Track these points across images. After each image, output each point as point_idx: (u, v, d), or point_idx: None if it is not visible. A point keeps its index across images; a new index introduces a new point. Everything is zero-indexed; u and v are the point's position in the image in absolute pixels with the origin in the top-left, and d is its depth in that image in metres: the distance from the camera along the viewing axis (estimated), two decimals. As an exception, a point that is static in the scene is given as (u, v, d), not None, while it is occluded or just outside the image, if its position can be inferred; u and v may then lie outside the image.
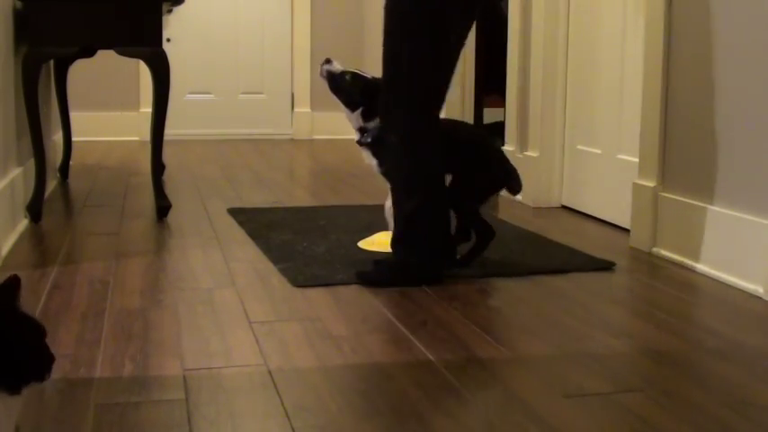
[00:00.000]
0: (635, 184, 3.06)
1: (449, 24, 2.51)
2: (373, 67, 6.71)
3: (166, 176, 4.58)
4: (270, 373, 1.84)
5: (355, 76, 2.79)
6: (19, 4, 3.42)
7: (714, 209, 2.67)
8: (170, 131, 6.41)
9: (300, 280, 2.55)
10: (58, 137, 4.75)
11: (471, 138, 2.78)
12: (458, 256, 2.70)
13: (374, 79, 2.76)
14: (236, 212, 3.55)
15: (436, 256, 2.56)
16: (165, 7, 4.04)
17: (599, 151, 3.55)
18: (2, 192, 2.89)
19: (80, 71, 6.16)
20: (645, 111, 3.01)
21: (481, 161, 2.74)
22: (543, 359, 1.94)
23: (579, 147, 3.71)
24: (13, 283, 1.24)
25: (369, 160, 2.87)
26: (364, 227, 3.27)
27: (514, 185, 2.78)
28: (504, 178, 2.78)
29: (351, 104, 2.78)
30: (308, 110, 6.59)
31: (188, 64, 6.47)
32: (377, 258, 2.68)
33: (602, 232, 3.33)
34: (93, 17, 3.36)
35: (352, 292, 2.46)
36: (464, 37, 2.60)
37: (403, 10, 2.51)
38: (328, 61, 2.84)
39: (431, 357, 1.94)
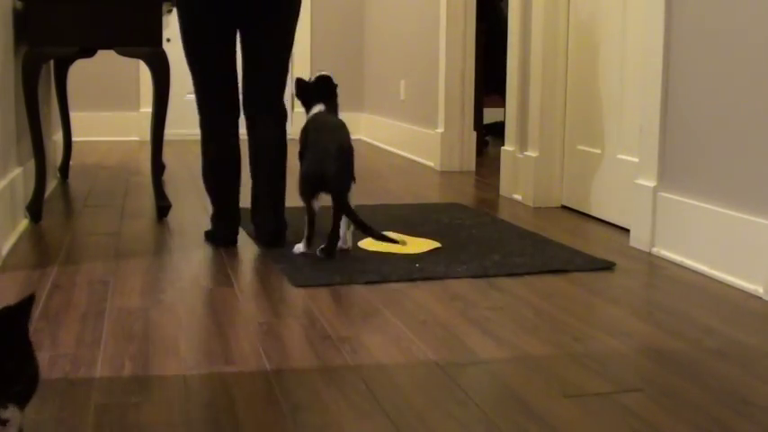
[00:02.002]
0: (635, 184, 3.06)
1: (208, 20, 3.00)
2: (374, 67, 6.69)
3: (166, 176, 4.58)
4: (270, 373, 1.84)
5: (298, 79, 3.22)
6: (19, 4, 3.43)
7: (714, 209, 2.67)
8: (170, 131, 6.41)
9: (300, 280, 2.55)
10: (58, 137, 4.76)
11: (315, 136, 2.92)
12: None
13: (310, 80, 3.19)
14: (236, 212, 3.55)
15: (233, 228, 3.08)
16: (165, 7, 4.04)
17: (599, 151, 3.55)
18: (2, 192, 2.89)
19: (80, 71, 6.17)
20: (645, 111, 3.01)
21: (308, 155, 2.91)
22: (543, 359, 1.94)
23: (579, 147, 3.71)
24: (29, 303, 1.21)
25: None
26: (364, 227, 3.27)
27: (330, 188, 2.82)
28: (316, 178, 2.82)
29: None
30: (308, 110, 6.59)
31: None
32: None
33: (602, 232, 3.33)
34: (93, 17, 3.36)
35: (353, 292, 2.46)
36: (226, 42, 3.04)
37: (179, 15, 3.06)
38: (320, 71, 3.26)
39: (431, 357, 1.94)
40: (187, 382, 1.78)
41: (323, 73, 3.22)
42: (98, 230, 3.26)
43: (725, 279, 2.60)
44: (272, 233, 3.04)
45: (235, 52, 3.09)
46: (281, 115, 3.14)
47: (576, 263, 2.78)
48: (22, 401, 1.16)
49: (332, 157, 2.83)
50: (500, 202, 3.99)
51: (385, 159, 5.54)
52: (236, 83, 3.13)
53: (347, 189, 2.86)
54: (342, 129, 2.97)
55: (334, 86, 3.19)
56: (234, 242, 3.08)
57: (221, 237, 3.08)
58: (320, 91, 3.17)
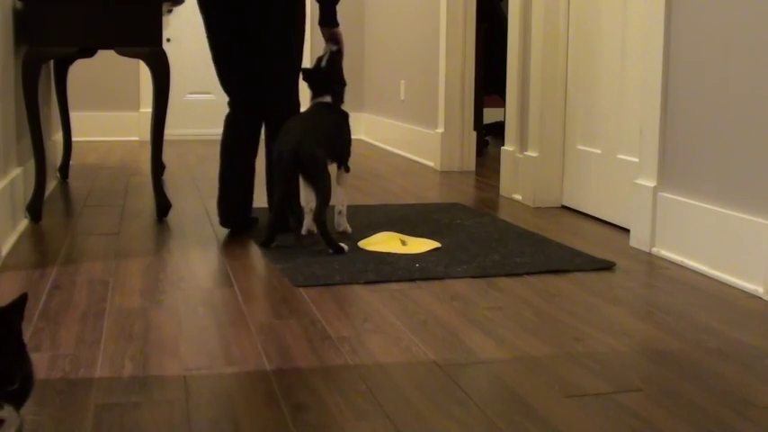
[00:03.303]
0: (635, 184, 3.06)
1: (213, 23, 3.20)
2: (374, 67, 6.69)
3: (166, 176, 4.58)
4: (270, 373, 1.84)
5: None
6: (19, 4, 3.42)
7: (714, 209, 2.68)
8: (170, 131, 6.42)
9: (300, 280, 2.55)
10: (58, 137, 4.76)
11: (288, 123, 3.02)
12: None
13: (314, 67, 3.23)
14: (236, 212, 3.55)
15: (228, 211, 3.21)
16: (165, 7, 4.04)
17: (599, 151, 3.55)
18: (2, 192, 2.89)
19: (80, 71, 6.17)
20: (645, 111, 3.01)
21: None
22: (543, 359, 1.94)
23: (579, 147, 3.71)
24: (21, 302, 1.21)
25: None
26: (364, 227, 3.27)
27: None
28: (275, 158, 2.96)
29: None
30: (308, 110, 6.59)
31: (188, 64, 6.47)
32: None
33: (602, 232, 3.33)
34: (93, 17, 3.36)
35: (352, 292, 2.46)
36: (228, 32, 3.19)
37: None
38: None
39: (431, 357, 1.94)
40: (187, 383, 1.78)
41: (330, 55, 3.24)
42: (98, 230, 3.26)
43: (725, 279, 2.60)
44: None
45: (250, 43, 3.21)
46: (292, 108, 3.23)
47: (576, 263, 2.78)
48: (18, 402, 1.16)
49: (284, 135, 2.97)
50: (500, 202, 3.99)
51: (385, 159, 5.54)
52: (253, 75, 3.23)
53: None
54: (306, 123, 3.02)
55: (342, 74, 3.24)
56: (231, 226, 3.22)
57: (220, 218, 3.22)
58: (328, 79, 3.20)
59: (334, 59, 3.21)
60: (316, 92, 3.20)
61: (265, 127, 3.24)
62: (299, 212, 3.19)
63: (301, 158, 2.89)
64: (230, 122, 3.25)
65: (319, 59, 3.24)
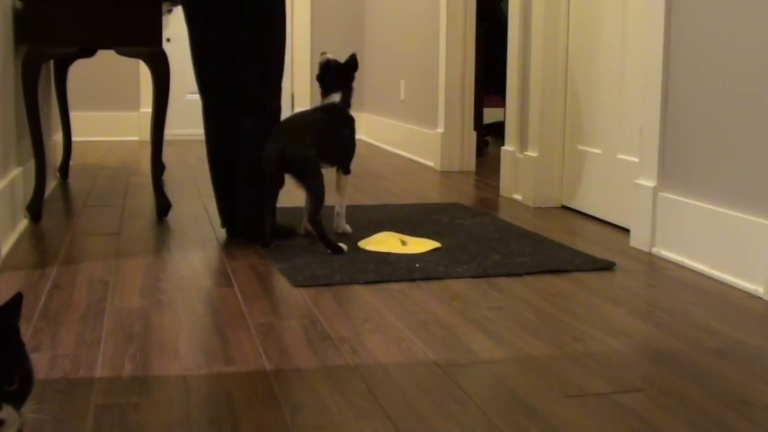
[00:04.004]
0: (635, 184, 3.06)
1: (194, 24, 3.14)
2: (374, 67, 6.68)
3: (166, 176, 4.58)
4: (270, 373, 1.84)
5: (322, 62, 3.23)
6: (19, 4, 3.42)
7: (714, 209, 2.68)
8: (170, 131, 6.42)
9: (300, 280, 2.55)
10: (58, 137, 4.76)
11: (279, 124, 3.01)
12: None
13: (329, 62, 3.20)
14: (236, 212, 3.55)
15: (224, 215, 3.17)
16: (165, 7, 4.04)
17: (599, 151, 3.55)
18: (2, 192, 2.89)
19: (80, 71, 6.17)
20: (645, 111, 3.01)
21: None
22: (543, 359, 1.94)
23: (579, 147, 3.71)
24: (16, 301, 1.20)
25: None
26: (364, 227, 3.27)
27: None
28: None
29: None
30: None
31: (188, 64, 6.45)
32: None
33: (602, 232, 3.33)
34: (92, 17, 3.36)
35: (352, 292, 2.46)
36: (207, 34, 3.12)
37: None
38: (323, 54, 3.28)
39: (431, 357, 1.94)
40: (187, 382, 1.78)
41: (347, 55, 3.23)
42: (98, 230, 3.26)
43: (725, 279, 2.60)
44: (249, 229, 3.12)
45: (230, 44, 3.13)
46: (263, 110, 3.10)
47: (576, 263, 2.78)
48: (17, 402, 1.16)
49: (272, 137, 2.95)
50: (500, 202, 3.99)
51: (385, 159, 5.54)
52: (230, 75, 3.14)
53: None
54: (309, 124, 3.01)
55: (352, 73, 3.21)
56: (232, 234, 3.17)
57: (229, 229, 3.18)
58: (338, 78, 3.18)
59: (342, 63, 3.20)
60: (327, 88, 3.20)
61: (242, 129, 3.11)
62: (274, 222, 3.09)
63: (288, 160, 2.88)
64: (211, 117, 3.16)
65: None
